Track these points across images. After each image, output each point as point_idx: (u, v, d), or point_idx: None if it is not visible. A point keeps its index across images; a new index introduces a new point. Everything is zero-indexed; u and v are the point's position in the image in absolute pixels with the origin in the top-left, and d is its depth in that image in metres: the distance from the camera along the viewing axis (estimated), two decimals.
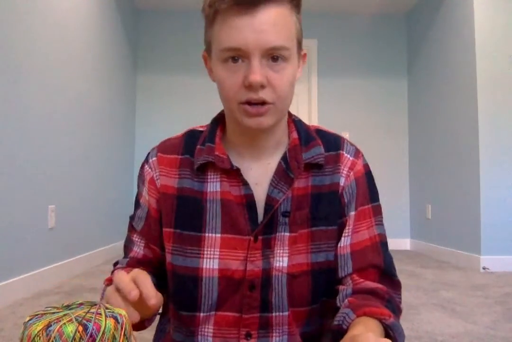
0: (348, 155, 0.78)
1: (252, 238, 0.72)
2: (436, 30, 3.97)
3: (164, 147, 0.80)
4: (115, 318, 0.46)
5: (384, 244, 0.77)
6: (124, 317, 0.47)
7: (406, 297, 2.36)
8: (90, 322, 0.44)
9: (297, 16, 0.69)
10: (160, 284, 0.79)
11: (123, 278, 0.58)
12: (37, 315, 0.46)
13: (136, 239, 0.81)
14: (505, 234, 3.16)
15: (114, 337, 0.44)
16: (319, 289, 0.74)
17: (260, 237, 0.72)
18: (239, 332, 0.72)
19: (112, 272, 0.84)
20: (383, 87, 4.60)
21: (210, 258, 0.72)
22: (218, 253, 0.72)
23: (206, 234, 0.73)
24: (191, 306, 0.74)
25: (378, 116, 4.57)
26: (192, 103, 4.38)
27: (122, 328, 0.46)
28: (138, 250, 0.80)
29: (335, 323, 0.66)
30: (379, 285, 0.72)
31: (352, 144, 0.81)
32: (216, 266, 0.72)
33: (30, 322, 0.45)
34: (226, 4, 0.64)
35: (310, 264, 0.73)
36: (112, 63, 3.82)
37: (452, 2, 3.67)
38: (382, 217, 0.79)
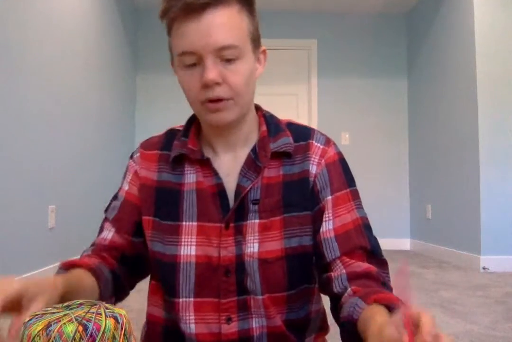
0: (318, 144, 0.81)
1: (223, 225, 0.75)
2: (436, 30, 3.97)
3: (146, 144, 0.86)
4: (115, 318, 0.46)
5: (367, 226, 0.79)
6: (124, 317, 0.47)
7: None
8: (90, 322, 0.44)
9: (248, 16, 0.73)
10: (130, 270, 0.83)
11: None
12: (37, 315, 0.46)
13: (107, 226, 0.83)
14: (505, 234, 3.15)
15: (114, 337, 0.44)
16: (295, 274, 0.77)
17: (231, 224, 0.75)
18: (220, 317, 0.74)
19: (81, 256, 0.83)
20: (383, 87, 4.60)
21: (187, 245, 0.76)
22: (195, 239, 0.76)
23: (184, 223, 0.77)
24: (172, 291, 0.77)
25: (378, 117, 4.57)
26: None
27: (122, 328, 0.46)
28: (105, 236, 0.82)
29: (345, 314, 0.66)
30: (370, 266, 0.74)
31: (322, 134, 0.83)
32: (193, 252, 0.75)
33: (30, 322, 0.45)
34: (173, 13, 0.69)
35: (284, 250, 0.76)
36: (112, 63, 3.82)
37: (452, 2, 3.67)
38: (360, 201, 0.81)
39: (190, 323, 0.75)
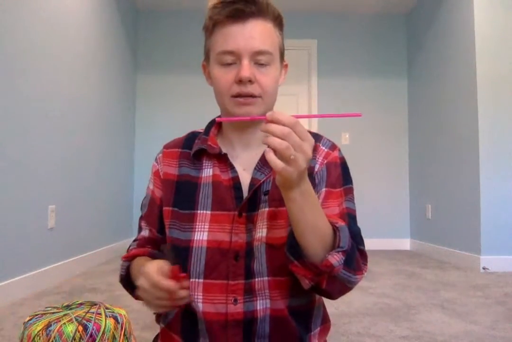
0: (324, 148, 0.89)
1: (236, 213, 0.83)
2: (436, 30, 3.97)
3: (169, 144, 0.97)
4: (115, 318, 0.46)
5: (351, 216, 0.85)
6: (124, 317, 0.47)
7: (406, 297, 2.36)
8: (90, 322, 0.44)
9: (279, 33, 0.87)
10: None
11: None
12: (37, 315, 0.46)
13: (143, 225, 0.96)
14: (505, 234, 3.15)
15: (114, 337, 0.44)
16: None
17: (244, 214, 0.83)
18: (227, 297, 0.81)
19: (128, 250, 0.96)
20: (383, 87, 4.60)
21: (200, 231, 0.84)
22: (207, 226, 0.84)
23: (199, 211, 0.85)
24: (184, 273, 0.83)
25: (378, 117, 4.56)
26: (192, 103, 4.38)
27: (122, 328, 0.46)
28: (144, 233, 0.95)
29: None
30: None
31: (329, 140, 0.92)
32: (205, 238, 0.83)
33: (30, 322, 0.45)
34: (222, 15, 0.80)
35: None
36: (112, 63, 3.82)
37: (452, 2, 3.67)
38: (352, 196, 0.88)
39: (198, 302, 0.81)
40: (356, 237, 0.79)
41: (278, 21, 0.86)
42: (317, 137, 0.90)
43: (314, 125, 4.43)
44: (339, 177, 0.87)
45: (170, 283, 0.68)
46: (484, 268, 3.11)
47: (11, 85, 2.24)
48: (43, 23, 2.56)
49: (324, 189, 0.85)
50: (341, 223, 0.75)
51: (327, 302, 0.91)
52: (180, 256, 0.83)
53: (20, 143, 2.32)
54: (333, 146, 0.90)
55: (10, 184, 2.22)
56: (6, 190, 2.19)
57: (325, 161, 0.87)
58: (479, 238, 3.17)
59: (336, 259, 0.70)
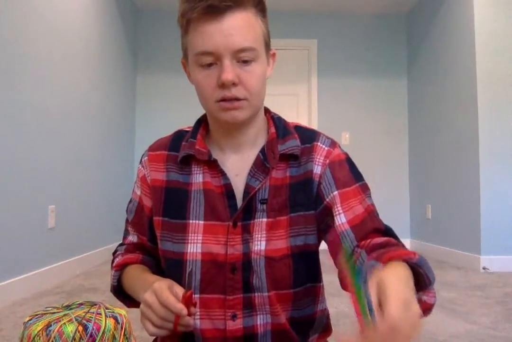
0: (323, 146, 0.83)
1: (231, 224, 0.77)
2: (436, 30, 3.97)
3: (154, 146, 0.89)
4: (115, 318, 0.46)
5: (378, 214, 0.80)
6: (124, 317, 0.47)
7: None
8: (90, 322, 0.44)
9: (262, 20, 0.77)
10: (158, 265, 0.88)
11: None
12: (37, 315, 0.46)
13: (130, 229, 0.91)
14: (505, 234, 3.15)
15: (114, 337, 0.44)
16: (300, 272, 0.79)
17: (239, 223, 0.78)
18: (225, 313, 0.76)
19: (114, 253, 0.92)
20: (383, 87, 4.60)
21: (194, 243, 0.78)
22: (201, 238, 0.78)
23: (191, 221, 0.80)
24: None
25: (378, 117, 4.57)
26: (192, 103, 4.36)
27: (122, 328, 0.46)
28: (132, 238, 0.91)
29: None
30: (389, 238, 0.73)
31: (328, 138, 0.85)
32: (199, 250, 0.77)
33: (30, 322, 0.45)
34: (196, 13, 0.71)
35: (290, 248, 0.77)
36: (112, 63, 3.82)
37: (452, 2, 3.67)
38: (370, 192, 0.84)
39: (195, 318, 0.76)
40: (391, 231, 0.77)
41: (260, 7, 0.75)
42: (313, 135, 0.84)
43: (314, 126, 4.43)
44: (349, 174, 0.81)
45: (181, 307, 0.64)
46: (484, 268, 3.11)
47: (11, 85, 2.24)
48: (42, 23, 2.56)
49: (336, 192, 0.78)
50: (416, 257, 0.65)
51: (327, 302, 0.90)
52: (172, 270, 0.79)
53: (20, 144, 2.32)
54: (333, 144, 0.84)
55: (10, 184, 2.22)
56: (6, 190, 2.18)
57: (327, 161, 0.81)
58: (479, 238, 3.17)
59: (431, 296, 0.64)
